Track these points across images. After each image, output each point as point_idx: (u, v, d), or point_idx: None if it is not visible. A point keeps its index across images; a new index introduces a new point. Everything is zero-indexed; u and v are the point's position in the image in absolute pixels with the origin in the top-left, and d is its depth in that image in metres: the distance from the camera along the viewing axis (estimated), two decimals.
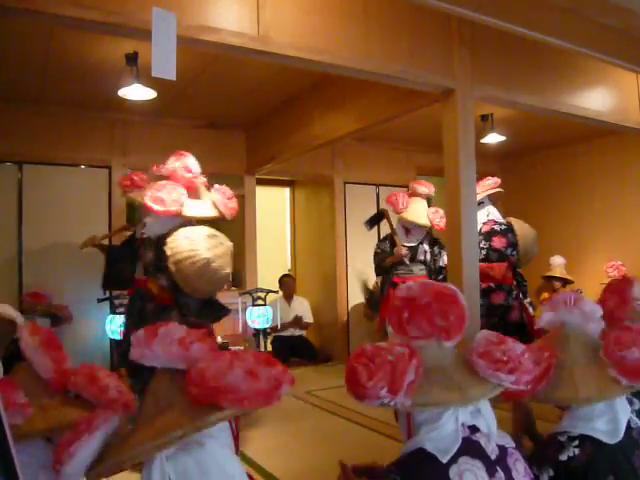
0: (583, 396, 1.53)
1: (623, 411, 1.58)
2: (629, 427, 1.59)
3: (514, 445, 1.38)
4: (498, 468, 1.28)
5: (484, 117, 5.64)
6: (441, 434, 1.29)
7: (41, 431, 1.22)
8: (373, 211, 6.84)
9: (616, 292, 2.00)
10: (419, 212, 4.90)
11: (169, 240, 3.34)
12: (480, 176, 4.03)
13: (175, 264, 3.26)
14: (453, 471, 1.23)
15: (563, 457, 1.54)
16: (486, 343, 1.36)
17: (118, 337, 4.71)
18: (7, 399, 1.13)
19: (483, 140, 5.78)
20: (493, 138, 5.89)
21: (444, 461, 1.24)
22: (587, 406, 1.58)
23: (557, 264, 6.59)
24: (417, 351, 1.29)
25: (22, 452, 1.08)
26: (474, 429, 1.32)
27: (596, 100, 4.49)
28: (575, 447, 1.54)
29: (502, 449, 1.34)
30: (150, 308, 3.45)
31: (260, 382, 1.10)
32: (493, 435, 1.34)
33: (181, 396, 1.14)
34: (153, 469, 1.09)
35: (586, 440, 1.55)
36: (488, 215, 4.54)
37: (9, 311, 3.08)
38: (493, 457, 1.30)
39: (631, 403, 1.71)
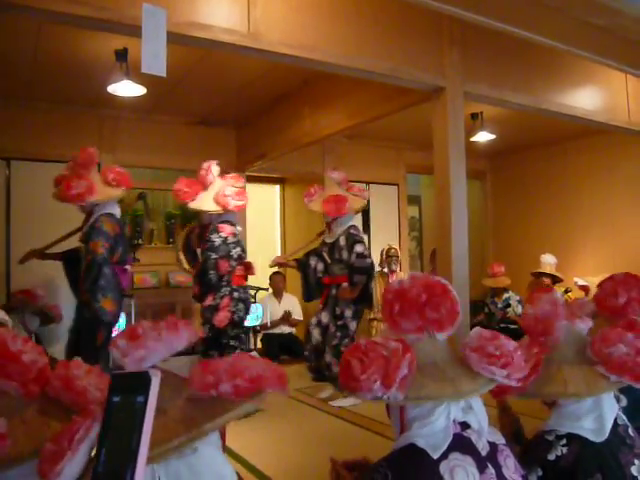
0: (571, 391, 1.53)
1: (610, 409, 1.59)
2: (616, 424, 1.60)
3: (504, 442, 1.39)
4: (488, 464, 1.29)
5: (474, 115, 5.67)
6: (433, 430, 1.30)
7: (29, 454, 1.05)
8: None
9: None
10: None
11: None
12: (469, 174, 4.04)
13: None
14: (444, 467, 1.24)
15: (551, 456, 1.55)
16: (479, 338, 1.37)
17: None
18: None
19: (473, 138, 5.80)
20: (483, 136, 5.92)
21: (435, 457, 1.25)
22: (574, 403, 1.59)
23: (547, 262, 6.62)
24: (411, 346, 1.31)
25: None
26: (465, 425, 1.33)
27: (585, 99, 4.52)
28: (563, 446, 1.55)
29: (493, 445, 1.34)
30: None
31: (269, 368, 1.10)
32: (484, 431, 1.35)
33: (172, 401, 1.08)
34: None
35: (573, 439, 1.55)
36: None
37: None
38: (484, 453, 1.30)
39: (618, 400, 1.73)
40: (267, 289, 6.35)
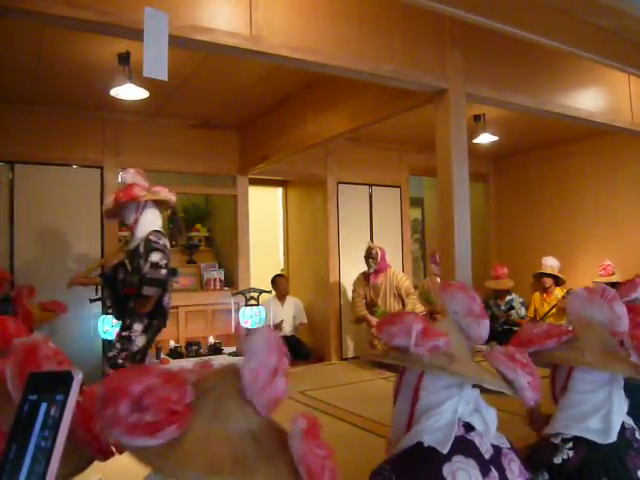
0: (589, 360, 1.56)
1: (619, 408, 1.58)
2: (623, 427, 1.59)
3: (509, 445, 1.39)
4: (492, 467, 1.29)
5: (476, 117, 5.66)
6: (438, 423, 1.30)
7: None
8: (366, 211, 6.87)
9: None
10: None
11: None
12: (472, 176, 4.03)
13: None
14: (446, 469, 1.24)
15: (557, 460, 1.54)
16: (507, 348, 1.46)
17: (111, 337, 4.68)
18: None
19: (475, 140, 5.79)
20: (485, 138, 5.91)
21: (444, 452, 1.25)
22: (587, 393, 1.59)
23: (549, 265, 6.61)
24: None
25: None
26: (469, 427, 1.33)
27: (588, 100, 4.51)
28: (569, 449, 1.54)
29: (496, 449, 1.34)
30: None
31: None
32: (489, 434, 1.34)
33: (282, 452, 1.02)
34: None
35: (580, 442, 1.55)
36: None
37: None
38: (487, 456, 1.30)
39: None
40: (270, 292, 6.35)
